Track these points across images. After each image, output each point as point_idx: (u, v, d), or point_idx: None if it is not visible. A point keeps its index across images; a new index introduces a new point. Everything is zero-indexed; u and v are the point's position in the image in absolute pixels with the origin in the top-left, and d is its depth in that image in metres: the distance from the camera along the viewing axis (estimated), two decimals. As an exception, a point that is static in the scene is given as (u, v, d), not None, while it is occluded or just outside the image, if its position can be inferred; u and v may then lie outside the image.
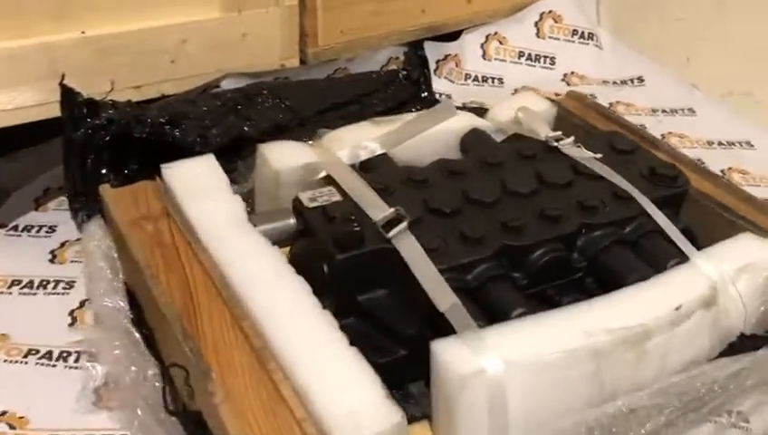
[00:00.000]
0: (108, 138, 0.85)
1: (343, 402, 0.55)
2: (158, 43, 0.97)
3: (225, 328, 0.61)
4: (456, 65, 1.32)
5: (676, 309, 0.65)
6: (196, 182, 0.76)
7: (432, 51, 1.29)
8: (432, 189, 0.77)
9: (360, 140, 0.85)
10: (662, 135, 1.20)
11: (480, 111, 1.04)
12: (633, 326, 0.63)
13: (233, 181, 0.89)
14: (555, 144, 0.85)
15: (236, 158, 0.92)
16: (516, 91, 1.33)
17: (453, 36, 1.31)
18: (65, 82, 0.84)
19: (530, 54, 1.37)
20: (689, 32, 1.29)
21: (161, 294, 0.65)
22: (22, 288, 0.88)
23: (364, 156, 0.83)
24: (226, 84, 1.05)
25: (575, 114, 1.00)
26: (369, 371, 0.57)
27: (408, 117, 0.89)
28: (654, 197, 0.79)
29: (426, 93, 1.25)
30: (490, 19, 1.32)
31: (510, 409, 0.58)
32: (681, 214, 0.83)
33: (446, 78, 1.31)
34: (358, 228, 0.67)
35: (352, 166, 0.82)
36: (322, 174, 0.80)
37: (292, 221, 0.72)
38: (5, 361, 0.78)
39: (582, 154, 0.83)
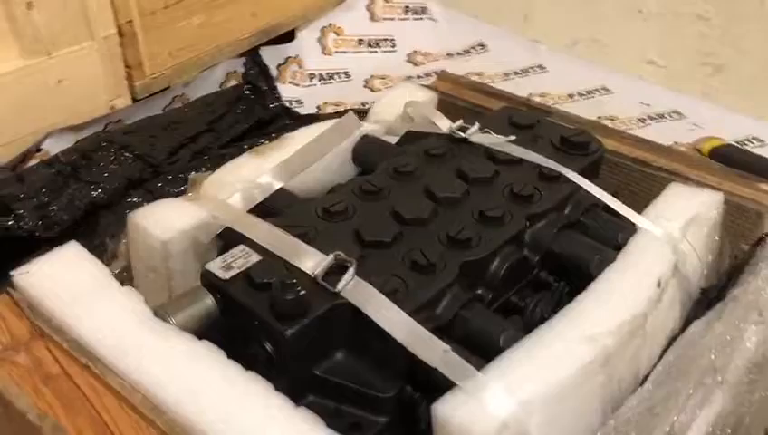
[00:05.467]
0: None
1: None
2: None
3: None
4: (299, 66, 1.20)
5: (659, 286, 0.61)
6: (68, 282, 0.59)
7: (270, 56, 1.16)
8: (358, 218, 0.66)
9: (249, 177, 0.72)
10: (529, 94, 1.17)
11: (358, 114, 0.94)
12: (633, 317, 0.57)
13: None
14: (462, 135, 0.77)
15: (95, 233, 0.75)
16: (366, 82, 1.24)
17: (291, 36, 1.19)
18: None
19: (369, 41, 1.29)
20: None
21: (69, 445, 0.48)
22: None
23: (260, 196, 0.70)
24: (51, 145, 0.85)
25: (456, 97, 0.93)
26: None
27: (297, 137, 0.76)
28: (574, 167, 0.74)
29: (274, 103, 1.14)
30: (322, 11, 1.22)
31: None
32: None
33: (290, 82, 1.19)
34: (302, 291, 0.54)
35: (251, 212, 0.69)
36: (217, 231, 0.66)
37: (210, 302, 0.58)
38: None
39: (493, 140, 0.76)
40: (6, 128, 0.81)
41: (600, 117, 1.12)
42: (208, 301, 0.58)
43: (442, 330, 0.58)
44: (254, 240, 0.61)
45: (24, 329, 0.57)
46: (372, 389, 0.56)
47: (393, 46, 1.31)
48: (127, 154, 0.84)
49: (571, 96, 1.18)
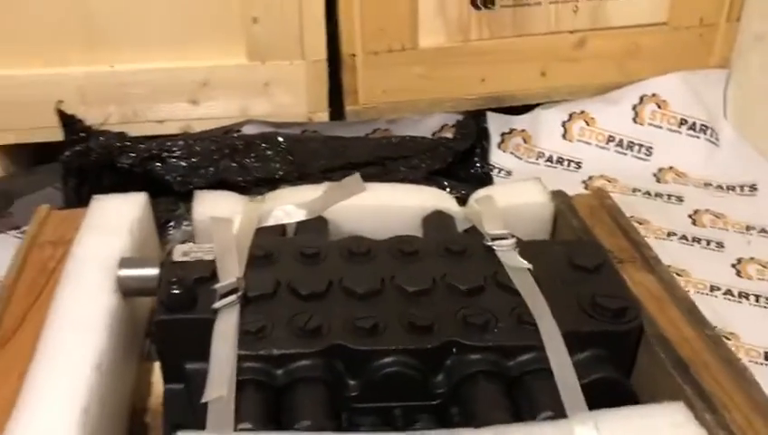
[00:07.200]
0: (89, 162, 0.91)
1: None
2: (178, 82, 1.02)
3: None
4: (525, 141, 1.20)
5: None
6: (106, 217, 0.77)
7: (496, 123, 1.19)
8: (316, 267, 0.70)
9: (292, 202, 0.81)
10: (738, 259, 0.97)
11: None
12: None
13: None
14: (490, 243, 0.72)
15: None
16: (591, 178, 1.17)
17: (520, 109, 1.19)
18: (63, 108, 0.92)
19: (621, 141, 1.20)
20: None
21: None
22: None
23: (285, 219, 0.79)
24: (248, 130, 1.07)
25: (577, 215, 0.84)
26: None
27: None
28: (586, 330, 0.64)
29: (480, 166, 1.17)
30: (570, 96, 1.18)
31: None
32: (640, 362, 0.67)
33: (512, 153, 1.20)
34: (176, 291, 0.63)
35: (283, 226, 0.79)
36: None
37: (156, 271, 0.70)
38: None
39: (513, 261, 0.70)
40: (220, 105, 1.05)
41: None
42: (154, 271, 0.70)
43: (275, 392, 0.60)
44: (216, 244, 0.71)
45: (69, 234, 0.78)
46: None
47: (648, 155, 1.19)
48: (286, 157, 1.00)
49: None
